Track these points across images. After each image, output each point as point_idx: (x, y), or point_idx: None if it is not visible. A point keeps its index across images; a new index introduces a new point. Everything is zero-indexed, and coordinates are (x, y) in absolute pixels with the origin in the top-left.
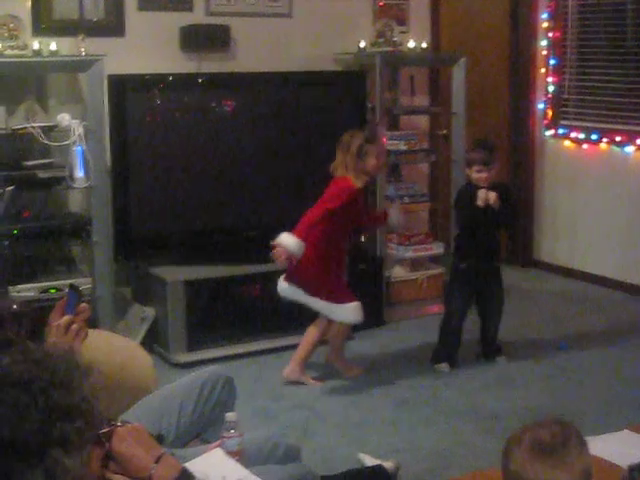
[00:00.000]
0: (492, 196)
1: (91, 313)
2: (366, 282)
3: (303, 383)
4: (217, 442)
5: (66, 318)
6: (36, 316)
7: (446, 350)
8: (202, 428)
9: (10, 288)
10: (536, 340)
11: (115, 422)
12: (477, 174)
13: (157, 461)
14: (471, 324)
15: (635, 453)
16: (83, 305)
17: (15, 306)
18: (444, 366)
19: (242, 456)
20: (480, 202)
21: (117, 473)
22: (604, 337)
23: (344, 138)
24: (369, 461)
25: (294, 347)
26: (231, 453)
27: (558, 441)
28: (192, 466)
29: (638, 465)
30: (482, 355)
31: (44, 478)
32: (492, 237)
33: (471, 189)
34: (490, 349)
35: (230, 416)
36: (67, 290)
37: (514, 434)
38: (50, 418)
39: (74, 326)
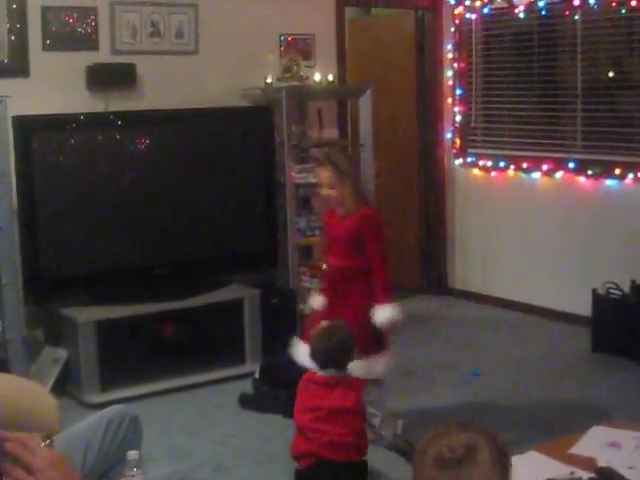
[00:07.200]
0: None
1: None
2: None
3: None
4: None
5: None
6: None
7: None
8: (108, 467)
9: None
10: (450, 367)
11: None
12: None
13: None
14: None
15: (541, 473)
16: None
17: None
18: None
19: None
20: None
21: None
22: (516, 361)
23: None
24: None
25: (206, 384)
26: None
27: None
28: None
29: None
30: None
31: None
32: None
33: None
34: None
35: (132, 454)
36: None
37: (421, 443)
38: None
39: None
